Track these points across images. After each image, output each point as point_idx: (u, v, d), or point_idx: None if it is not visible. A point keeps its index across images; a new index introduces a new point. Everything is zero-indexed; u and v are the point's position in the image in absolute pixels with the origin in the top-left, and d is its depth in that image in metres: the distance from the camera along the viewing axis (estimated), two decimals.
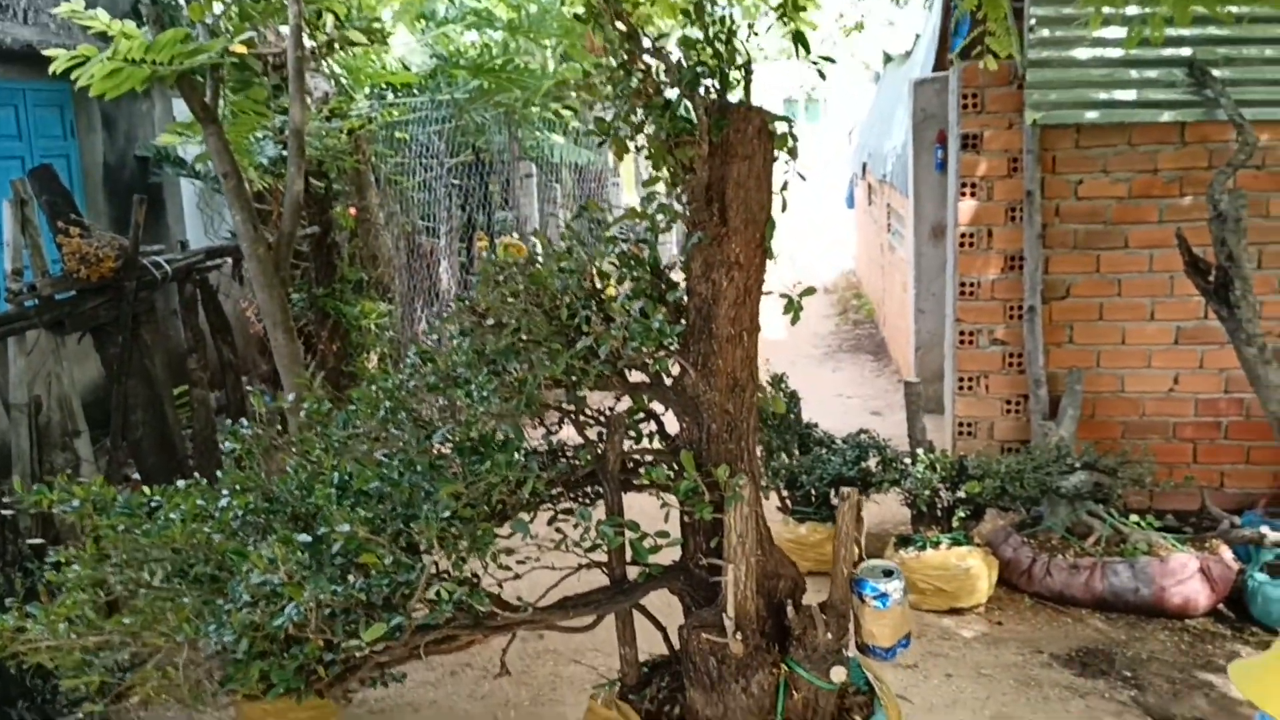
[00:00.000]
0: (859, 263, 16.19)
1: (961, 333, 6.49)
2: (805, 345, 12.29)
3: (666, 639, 3.20)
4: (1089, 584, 5.33)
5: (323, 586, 2.56)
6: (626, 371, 2.95)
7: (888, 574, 2.81)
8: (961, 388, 6.55)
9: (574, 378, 2.89)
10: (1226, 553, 5.36)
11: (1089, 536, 5.54)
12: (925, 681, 4.74)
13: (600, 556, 3.00)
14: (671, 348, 2.81)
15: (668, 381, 2.94)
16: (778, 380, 5.92)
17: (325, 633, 2.62)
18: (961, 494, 5.55)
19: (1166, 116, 5.94)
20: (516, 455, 2.82)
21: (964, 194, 6.37)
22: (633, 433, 3.07)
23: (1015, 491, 5.33)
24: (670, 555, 2.97)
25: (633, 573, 3.00)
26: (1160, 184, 6.11)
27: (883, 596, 2.76)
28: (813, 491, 5.89)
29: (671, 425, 3.10)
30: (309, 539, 2.64)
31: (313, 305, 6.56)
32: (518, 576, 2.96)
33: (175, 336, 6.47)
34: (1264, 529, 5.21)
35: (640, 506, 3.16)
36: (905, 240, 9.56)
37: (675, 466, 2.89)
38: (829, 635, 2.74)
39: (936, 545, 5.42)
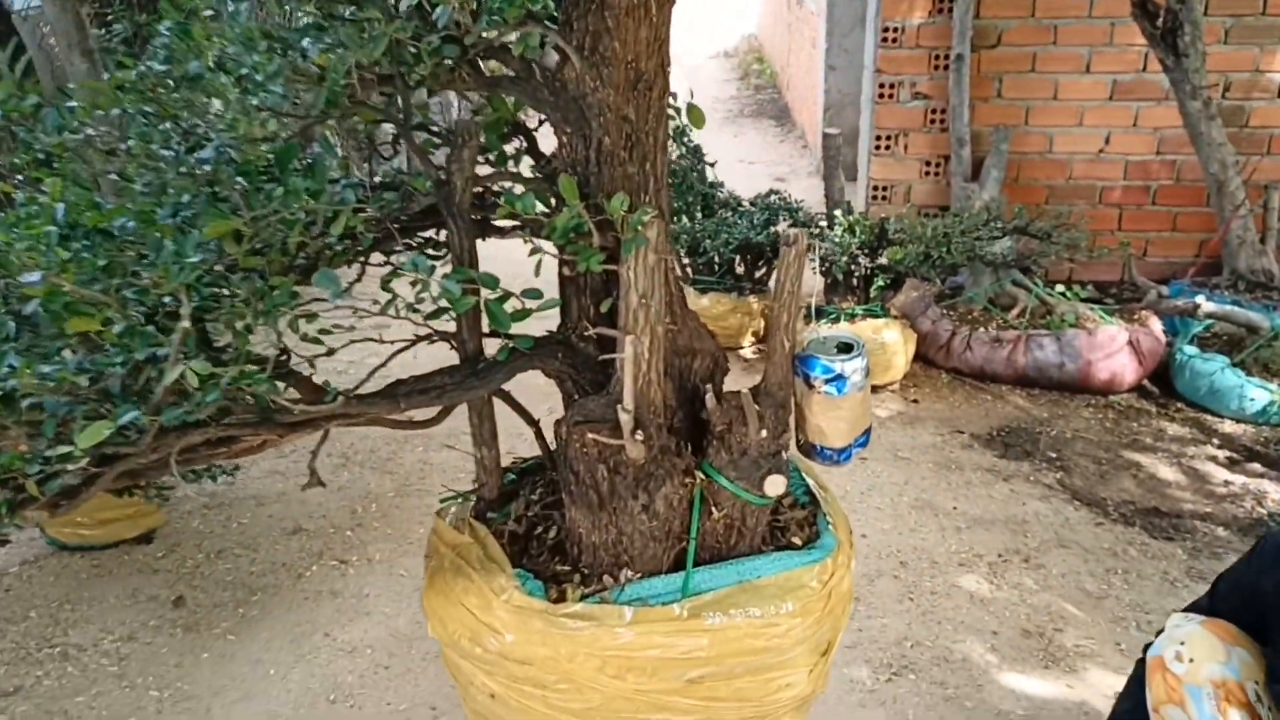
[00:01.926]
0: (761, 25, 14.81)
1: (881, 85, 5.52)
2: (704, 109, 11.16)
3: (540, 436, 2.27)
4: (1011, 358, 4.63)
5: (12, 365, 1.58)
6: (481, 62, 1.92)
7: (845, 349, 1.91)
8: (878, 147, 5.63)
9: (402, 68, 1.85)
10: (1156, 325, 4.70)
11: (1013, 308, 4.82)
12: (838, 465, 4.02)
13: (448, 326, 2.03)
14: (546, 22, 1.79)
15: (541, 76, 1.92)
16: (680, 131, 4.91)
17: (26, 433, 1.66)
18: (882, 261, 4.71)
19: None
20: (325, 182, 1.82)
21: None
22: (491, 152, 2.06)
23: (941, 258, 4.51)
24: (544, 323, 2.01)
25: (493, 347, 2.02)
26: None
27: (838, 379, 1.87)
28: (716, 258, 4.99)
29: (547, 142, 2.08)
30: None
31: (136, 35, 5.21)
32: (331, 352, 2.00)
33: None
34: (1199, 299, 4.53)
35: (503, 256, 2.21)
36: None
37: (552, 197, 1.93)
38: (763, 433, 1.86)
39: (852, 318, 4.60)
